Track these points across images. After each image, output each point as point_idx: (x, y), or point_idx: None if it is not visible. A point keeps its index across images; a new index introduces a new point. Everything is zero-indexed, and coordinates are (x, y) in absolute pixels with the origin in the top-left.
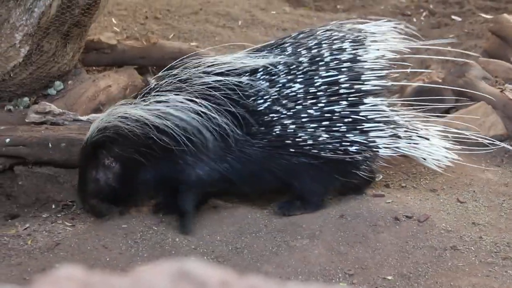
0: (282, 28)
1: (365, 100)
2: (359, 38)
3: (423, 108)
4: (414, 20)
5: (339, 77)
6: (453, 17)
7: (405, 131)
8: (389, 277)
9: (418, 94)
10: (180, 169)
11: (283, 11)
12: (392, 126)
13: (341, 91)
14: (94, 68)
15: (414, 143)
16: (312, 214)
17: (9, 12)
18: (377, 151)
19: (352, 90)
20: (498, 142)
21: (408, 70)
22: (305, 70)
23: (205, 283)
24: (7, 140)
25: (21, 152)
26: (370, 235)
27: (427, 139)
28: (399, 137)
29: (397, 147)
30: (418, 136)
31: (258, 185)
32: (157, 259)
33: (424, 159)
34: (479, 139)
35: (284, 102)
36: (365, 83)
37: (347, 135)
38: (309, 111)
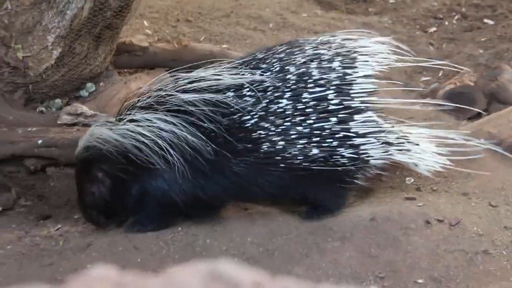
0: (313, 31)
1: (355, 116)
2: (349, 56)
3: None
4: (446, 23)
5: (327, 93)
6: (485, 20)
7: (397, 137)
8: (420, 281)
9: (449, 97)
10: (154, 188)
11: (314, 14)
12: (382, 134)
13: (330, 107)
14: (125, 70)
15: (406, 149)
16: (343, 217)
17: (41, 15)
18: (368, 161)
19: (341, 107)
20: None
21: (440, 74)
22: (293, 86)
23: (238, 284)
24: (39, 141)
25: (53, 153)
26: (401, 238)
27: (417, 144)
28: (390, 144)
29: (389, 155)
30: (409, 142)
31: (252, 199)
32: (188, 260)
33: (416, 164)
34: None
35: (271, 118)
36: (354, 99)
37: (338, 149)
38: (298, 128)
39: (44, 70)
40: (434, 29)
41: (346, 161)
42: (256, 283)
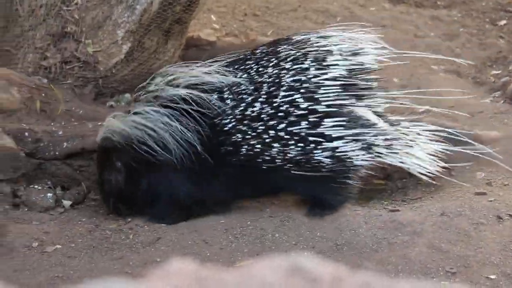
0: (381, 25)
1: (325, 120)
2: (320, 56)
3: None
4: None
5: (296, 97)
6: None
7: (385, 139)
8: (492, 276)
9: None
10: (162, 183)
11: (382, 8)
12: (366, 136)
13: (299, 112)
14: None
15: (393, 152)
16: (412, 211)
17: (111, 9)
18: (351, 162)
19: (309, 111)
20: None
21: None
22: (267, 90)
23: (317, 278)
24: None
25: None
26: (472, 233)
27: (410, 146)
28: (375, 145)
29: (375, 156)
30: (401, 144)
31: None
32: (257, 254)
33: (408, 168)
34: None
35: (247, 122)
36: (321, 103)
37: (315, 152)
38: (271, 131)
39: (114, 65)
40: (504, 22)
41: (326, 164)
42: (336, 278)
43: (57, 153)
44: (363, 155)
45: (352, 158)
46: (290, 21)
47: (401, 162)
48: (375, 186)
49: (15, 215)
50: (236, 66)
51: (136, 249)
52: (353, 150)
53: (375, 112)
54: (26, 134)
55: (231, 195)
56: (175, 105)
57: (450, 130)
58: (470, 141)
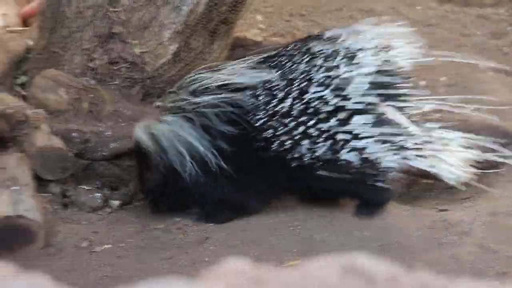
0: (427, 24)
1: (354, 118)
2: (351, 52)
3: None
4: None
5: (325, 93)
6: None
7: (415, 143)
8: None
9: None
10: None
11: (428, 7)
12: (395, 137)
13: (329, 108)
14: None
15: (422, 156)
16: (461, 212)
17: (157, 10)
18: (379, 164)
19: (338, 107)
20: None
21: None
22: (298, 86)
23: (374, 277)
24: None
25: None
26: None
27: (440, 151)
28: (404, 148)
29: (403, 159)
30: (431, 149)
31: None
32: (306, 254)
33: (437, 173)
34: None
35: (278, 118)
36: (350, 100)
37: (342, 151)
38: (300, 128)
39: (161, 66)
40: None
41: (354, 165)
42: (393, 277)
43: (105, 153)
44: (392, 157)
45: (380, 160)
46: (336, 20)
47: (430, 166)
48: (423, 185)
49: (64, 215)
50: (269, 63)
51: (184, 249)
52: (381, 151)
53: (406, 115)
54: (74, 134)
55: (263, 193)
56: (205, 109)
57: (482, 138)
58: (502, 149)
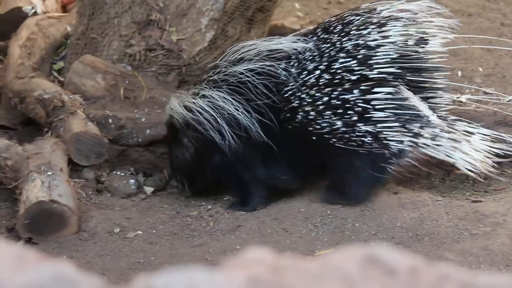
0: (467, 13)
1: (376, 89)
2: (381, 21)
3: None
4: None
5: (352, 63)
6: None
7: (433, 131)
8: None
9: None
10: (231, 160)
11: None
12: (413, 123)
13: (353, 78)
14: None
15: (439, 145)
16: (494, 202)
17: None
18: (387, 144)
19: (362, 78)
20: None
21: None
22: (328, 56)
23: (394, 269)
24: None
25: None
26: None
27: (458, 142)
28: (420, 135)
29: (413, 143)
30: (449, 138)
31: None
32: (337, 243)
33: (454, 162)
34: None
35: (305, 89)
36: (373, 70)
37: (358, 124)
38: (325, 98)
39: (197, 53)
40: None
41: (369, 141)
42: (413, 269)
43: (140, 139)
44: (407, 141)
45: (394, 142)
46: None
47: (447, 155)
48: (457, 176)
49: (98, 200)
50: (307, 35)
51: (216, 236)
52: (396, 133)
53: (429, 104)
54: (110, 120)
55: (293, 169)
56: (241, 81)
57: (506, 137)
58: None
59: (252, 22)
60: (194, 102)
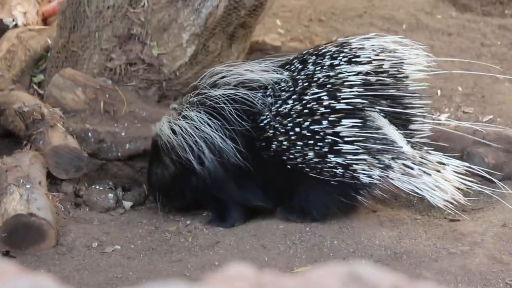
0: (447, 33)
1: (344, 121)
2: (354, 52)
3: None
4: None
5: (321, 94)
6: None
7: (404, 164)
8: None
9: None
10: (209, 182)
11: (449, 16)
12: (384, 155)
13: (321, 109)
14: None
15: (407, 177)
16: (473, 222)
17: (177, 12)
18: (358, 177)
19: (330, 110)
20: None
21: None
22: (301, 87)
23: (376, 287)
24: None
25: None
26: None
27: (429, 174)
28: (390, 167)
29: (383, 175)
30: (420, 171)
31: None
32: (315, 261)
33: (424, 196)
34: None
35: (279, 119)
36: (341, 101)
37: (329, 156)
38: (297, 129)
39: (178, 68)
40: None
41: (340, 172)
42: (395, 287)
43: (119, 154)
44: (377, 174)
45: (363, 175)
46: (356, 27)
47: (417, 188)
48: None
49: (76, 214)
50: (283, 65)
51: (194, 252)
52: (366, 166)
53: (406, 132)
54: (90, 134)
55: (267, 194)
56: (220, 105)
57: (476, 168)
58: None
59: (233, 38)
60: (179, 125)
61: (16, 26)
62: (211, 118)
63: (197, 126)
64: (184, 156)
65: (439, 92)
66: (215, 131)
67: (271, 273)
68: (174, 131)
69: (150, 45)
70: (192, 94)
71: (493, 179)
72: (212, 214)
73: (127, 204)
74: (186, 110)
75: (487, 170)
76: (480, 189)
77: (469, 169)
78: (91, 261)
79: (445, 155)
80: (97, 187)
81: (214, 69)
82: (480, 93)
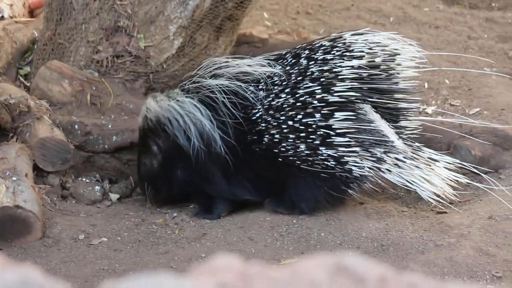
0: (434, 25)
1: (336, 114)
2: (347, 46)
3: None
4: None
5: (315, 88)
6: None
7: (396, 158)
8: None
9: None
10: (196, 173)
11: (436, 9)
12: (376, 148)
13: (315, 102)
14: None
15: (399, 170)
16: (460, 214)
17: (164, 5)
18: (350, 169)
19: (323, 103)
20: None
21: None
22: (294, 80)
23: (363, 278)
24: None
25: None
26: None
27: (420, 168)
28: (383, 160)
29: (375, 168)
30: (411, 165)
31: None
32: (302, 253)
33: (415, 189)
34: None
35: (272, 112)
36: (334, 94)
37: (321, 148)
38: (289, 122)
39: (165, 60)
40: None
41: (332, 165)
42: (382, 278)
43: (106, 146)
44: (369, 166)
45: (356, 167)
46: (343, 20)
47: (408, 182)
48: None
49: (62, 207)
50: (277, 59)
51: (181, 244)
52: (359, 158)
53: (396, 127)
54: (76, 126)
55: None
56: (213, 95)
57: (467, 165)
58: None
59: (221, 30)
60: (168, 104)
61: (2, 18)
62: (202, 105)
63: (188, 110)
64: (172, 133)
65: (426, 85)
66: (205, 118)
67: (258, 264)
68: (161, 107)
69: (137, 37)
70: (188, 82)
71: (480, 172)
72: (199, 206)
73: (114, 196)
74: (179, 95)
75: (474, 166)
76: (468, 183)
77: (456, 163)
78: (78, 253)
79: (437, 153)
80: (84, 179)
81: (208, 60)
82: (467, 85)
